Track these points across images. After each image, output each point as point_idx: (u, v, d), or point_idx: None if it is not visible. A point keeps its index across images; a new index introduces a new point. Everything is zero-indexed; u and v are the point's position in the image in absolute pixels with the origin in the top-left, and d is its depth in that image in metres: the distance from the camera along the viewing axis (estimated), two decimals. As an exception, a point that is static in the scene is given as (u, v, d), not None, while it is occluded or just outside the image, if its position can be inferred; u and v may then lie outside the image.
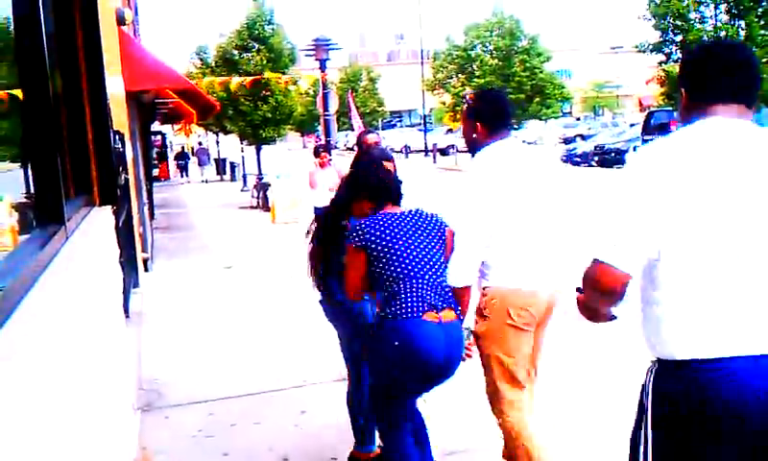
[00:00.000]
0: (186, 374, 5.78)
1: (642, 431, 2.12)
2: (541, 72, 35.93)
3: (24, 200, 2.59)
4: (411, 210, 3.36)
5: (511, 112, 3.50)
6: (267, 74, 22.43)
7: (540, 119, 38.82)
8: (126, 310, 5.95)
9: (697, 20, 21.88)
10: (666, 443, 2.06)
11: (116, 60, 9.25)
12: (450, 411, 4.50)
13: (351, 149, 33.55)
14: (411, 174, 11.93)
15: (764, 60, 20.46)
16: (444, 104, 41.36)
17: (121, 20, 9.91)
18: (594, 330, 3.19)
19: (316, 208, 8.74)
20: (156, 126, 25.88)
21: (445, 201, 3.66)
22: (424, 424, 3.56)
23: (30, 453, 1.51)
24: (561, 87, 37.78)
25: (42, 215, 2.43)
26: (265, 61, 24.27)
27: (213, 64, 26.24)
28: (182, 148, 38.59)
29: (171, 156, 39.87)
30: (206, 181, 31.84)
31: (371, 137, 5.03)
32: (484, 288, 3.35)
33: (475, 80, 36.66)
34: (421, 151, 42.91)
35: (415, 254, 3.18)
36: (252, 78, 21.36)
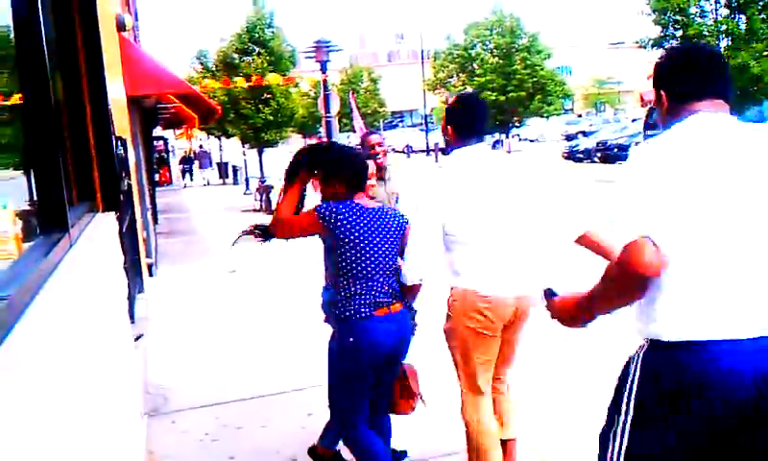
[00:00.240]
0: (192, 378, 5.78)
1: (622, 412, 2.17)
2: (542, 69, 35.86)
3: (28, 207, 2.59)
4: (380, 207, 3.43)
5: (483, 119, 3.47)
6: (268, 77, 22.45)
7: (542, 116, 38.79)
8: (131, 316, 5.95)
9: (697, 15, 21.83)
10: (646, 422, 2.11)
11: (117, 66, 9.26)
12: (446, 413, 4.49)
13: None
14: (412, 173, 11.93)
15: (766, 53, 20.43)
16: (445, 103, 41.35)
17: (121, 26, 9.91)
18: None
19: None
20: (158, 131, 25.91)
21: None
22: (390, 431, 3.68)
23: (37, 461, 1.51)
24: (562, 84, 37.72)
25: (46, 222, 2.43)
26: (266, 65, 24.32)
27: (214, 68, 26.30)
28: (185, 152, 38.67)
29: (174, 160, 39.92)
30: (208, 184, 31.85)
31: (374, 138, 5.03)
32: (451, 288, 3.42)
33: (476, 79, 36.64)
34: (423, 151, 42.95)
35: (379, 253, 3.29)
36: (253, 80, 21.34)
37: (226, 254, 12.08)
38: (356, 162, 3.45)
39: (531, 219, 3.36)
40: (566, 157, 30.51)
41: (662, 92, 2.26)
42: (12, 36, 2.34)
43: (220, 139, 33.27)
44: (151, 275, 10.07)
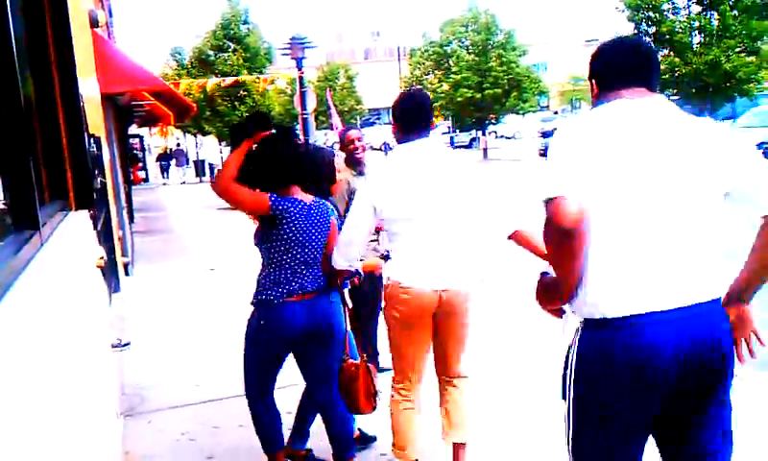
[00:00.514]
0: (169, 378, 5.75)
1: (567, 395, 2.32)
2: (518, 66, 35.96)
3: (1, 206, 2.55)
4: (315, 202, 3.58)
5: (424, 116, 3.50)
6: (244, 76, 22.35)
7: (518, 113, 38.91)
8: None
9: (670, 11, 22.05)
10: (586, 399, 2.25)
11: (90, 63, 9.16)
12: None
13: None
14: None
15: (737, 49, 20.70)
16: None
17: (94, 22, 9.81)
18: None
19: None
20: (134, 129, 25.69)
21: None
22: (346, 418, 3.81)
23: (8, 462, 1.49)
24: (537, 81, 37.86)
25: (16, 221, 2.40)
26: (241, 61, 24.22)
27: (189, 65, 26.14)
28: (162, 150, 38.38)
29: (150, 158, 39.58)
30: (185, 183, 31.63)
31: (353, 133, 5.09)
32: (387, 277, 3.54)
33: (452, 76, 36.69)
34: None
35: (309, 248, 3.51)
36: (230, 80, 21.23)
37: (203, 252, 12.02)
38: (288, 161, 3.55)
39: (464, 215, 3.41)
40: (542, 154, 30.68)
41: (593, 81, 2.43)
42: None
43: (196, 137, 33.05)
44: (127, 274, 9.99)
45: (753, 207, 2.22)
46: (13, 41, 2.34)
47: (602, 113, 2.28)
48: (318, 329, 3.57)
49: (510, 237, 3.43)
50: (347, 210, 3.89)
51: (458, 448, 3.70)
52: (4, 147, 2.39)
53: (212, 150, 33.89)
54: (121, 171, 13.20)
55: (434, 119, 3.62)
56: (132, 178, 30.36)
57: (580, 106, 61.73)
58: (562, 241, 2.13)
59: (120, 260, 9.12)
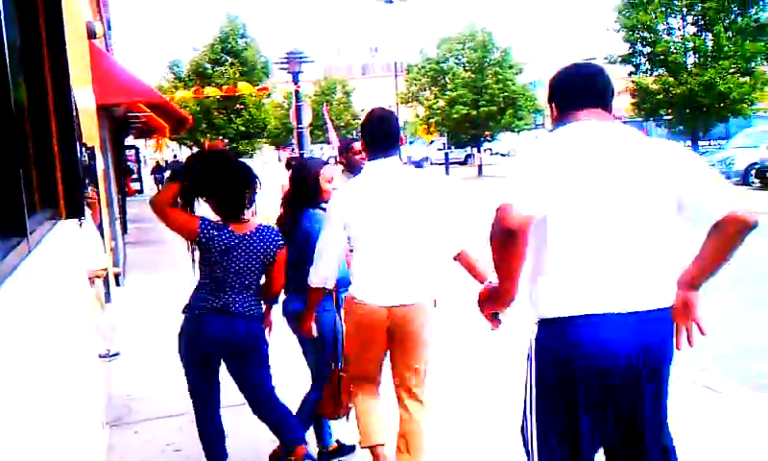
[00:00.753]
0: (157, 388, 5.73)
1: (527, 391, 2.49)
2: (514, 84, 36.13)
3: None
4: (252, 233, 3.68)
5: (389, 135, 3.55)
6: (239, 86, 22.42)
7: (513, 131, 39.05)
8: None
9: (665, 32, 22.21)
10: (540, 391, 2.43)
11: (87, 74, 9.20)
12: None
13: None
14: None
15: (731, 70, 20.85)
16: (417, 116, 41.50)
17: (92, 34, 9.85)
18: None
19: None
20: (130, 140, 25.72)
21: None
22: (288, 414, 3.95)
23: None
24: (533, 99, 38.02)
25: (3, 228, 2.41)
26: (238, 75, 24.30)
27: (186, 78, 26.22)
28: (156, 162, 38.37)
29: (146, 170, 39.59)
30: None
31: (357, 145, 5.45)
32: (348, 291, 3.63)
33: (448, 92, 36.85)
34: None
35: (232, 273, 3.64)
36: (224, 90, 21.28)
37: (195, 264, 12.01)
38: (236, 190, 3.68)
39: (420, 233, 3.48)
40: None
41: (552, 104, 2.63)
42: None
43: (192, 149, 33.09)
44: (118, 284, 9.97)
45: (702, 218, 2.38)
46: (6, 48, 2.36)
47: (560, 136, 2.48)
48: (234, 349, 3.71)
49: (455, 259, 3.58)
50: None
51: None
52: (-7, 153, 2.40)
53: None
54: (115, 182, 13.21)
55: (402, 136, 3.68)
56: (126, 189, 30.29)
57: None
58: (505, 241, 2.28)
59: (111, 271, 9.10)
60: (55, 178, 3.60)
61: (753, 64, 20.90)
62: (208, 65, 25.38)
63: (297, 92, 16.55)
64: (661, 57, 21.34)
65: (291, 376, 4.52)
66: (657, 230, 2.37)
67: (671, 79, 21.39)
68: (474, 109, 35.70)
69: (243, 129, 25.01)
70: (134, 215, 21.82)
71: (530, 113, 38.73)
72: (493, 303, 2.59)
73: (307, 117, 17.29)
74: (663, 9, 21.43)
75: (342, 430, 4.32)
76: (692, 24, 21.82)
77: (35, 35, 3.42)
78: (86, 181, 5.99)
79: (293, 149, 25.96)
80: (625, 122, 26.61)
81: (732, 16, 21.16)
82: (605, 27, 22.73)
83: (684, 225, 2.43)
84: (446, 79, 37.80)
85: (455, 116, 35.97)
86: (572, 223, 2.32)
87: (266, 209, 15.84)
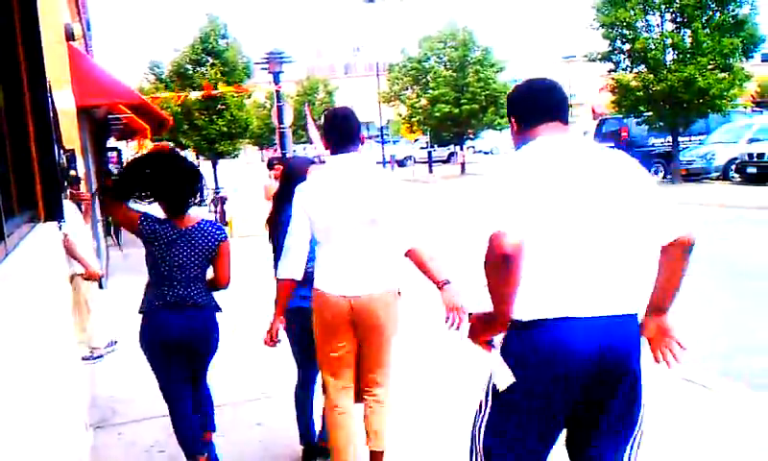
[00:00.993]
0: (141, 390, 5.70)
1: (486, 393, 2.57)
2: (495, 82, 36.19)
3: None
4: (194, 227, 3.85)
5: (348, 132, 3.66)
6: (220, 87, 22.32)
7: (495, 129, 39.11)
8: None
9: (644, 29, 22.34)
10: (506, 398, 2.49)
11: (65, 75, 9.15)
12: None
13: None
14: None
15: (710, 66, 21.01)
16: (400, 115, 41.51)
17: (70, 36, 9.80)
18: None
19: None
20: (112, 142, 25.53)
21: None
22: (210, 402, 4.19)
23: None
24: (515, 97, 38.03)
25: (-19, 230, 2.41)
26: (219, 75, 24.19)
27: (168, 79, 26.08)
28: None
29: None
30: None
31: None
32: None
33: (430, 91, 36.88)
34: (380, 163, 43.06)
35: (176, 265, 3.80)
36: (204, 91, 21.19)
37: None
38: (177, 188, 3.83)
39: (378, 227, 3.55)
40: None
41: (512, 118, 2.74)
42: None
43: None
44: (101, 287, 9.91)
45: (654, 237, 2.50)
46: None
47: (528, 153, 2.60)
48: (192, 340, 3.88)
49: (405, 255, 3.64)
50: None
51: (376, 454, 3.76)
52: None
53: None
54: (97, 184, 13.13)
55: (362, 134, 3.78)
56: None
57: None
58: (501, 267, 2.35)
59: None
60: (33, 180, 3.60)
61: (731, 61, 21.08)
62: (189, 66, 25.23)
63: (278, 92, 16.53)
64: (641, 53, 21.47)
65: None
66: (621, 239, 2.50)
67: (650, 75, 21.50)
68: (456, 107, 35.78)
69: (225, 129, 24.88)
70: (116, 218, 21.68)
71: (512, 111, 38.68)
72: (489, 328, 2.62)
73: (289, 117, 17.27)
74: (642, 5, 21.52)
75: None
76: (671, 21, 21.93)
77: (10, 36, 3.42)
78: (65, 184, 5.97)
79: (276, 149, 25.92)
80: (606, 119, 26.83)
81: (710, 13, 21.34)
82: (585, 25, 22.86)
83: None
84: (428, 77, 37.83)
85: (437, 115, 36.02)
86: (542, 235, 2.43)
87: (248, 206, 15.82)
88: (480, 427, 2.59)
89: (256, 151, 53.49)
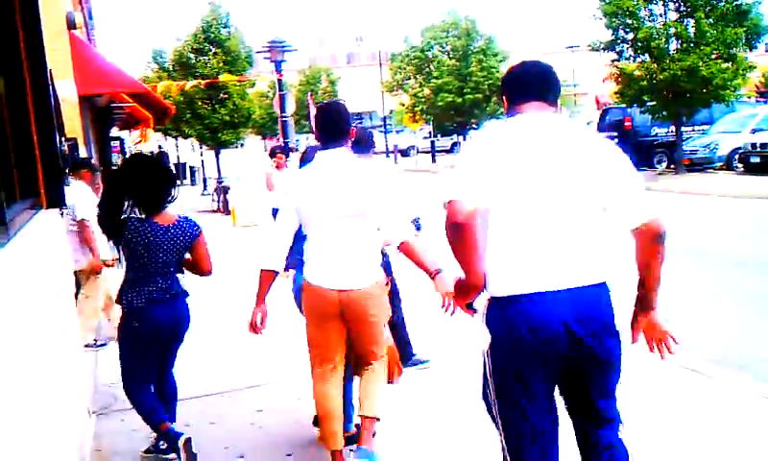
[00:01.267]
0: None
1: (485, 363, 2.68)
2: (498, 72, 36.06)
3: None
4: (173, 225, 4.02)
5: (337, 127, 3.72)
6: (222, 76, 22.29)
7: (499, 118, 39.13)
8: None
9: (647, 18, 22.24)
10: (499, 368, 2.63)
11: (67, 64, 9.15)
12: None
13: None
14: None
15: (713, 56, 20.92)
16: (402, 105, 41.44)
17: (72, 24, 9.80)
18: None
19: (274, 209, 8.74)
20: (115, 131, 25.54)
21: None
22: (175, 392, 4.40)
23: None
24: (518, 86, 37.94)
25: (-18, 217, 2.43)
26: (221, 64, 24.15)
27: (170, 68, 26.03)
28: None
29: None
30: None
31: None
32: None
33: (433, 80, 36.80)
34: (383, 152, 43.04)
35: (154, 260, 3.95)
36: (207, 80, 21.16)
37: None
38: (151, 187, 3.96)
39: (367, 221, 3.61)
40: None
41: (504, 97, 2.83)
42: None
43: (177, 140, 32.94)
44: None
45: (622, 222, 2.58)
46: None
47: (503, 128, 2.70)
48: (177, 328, 4.15)
49: (399, 249, 3.71)
50: None
51: (365, 419, 3.82)
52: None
53: (192, 153, 33.72)
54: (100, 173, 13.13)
55: (352, 128, 3.84)
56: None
57: (561, 111, 61.83)
58: (456, 235, 2.46)
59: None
60: (35, 168, 3.63)
61: (734, 50, 20.98)
62: (192, 55, 25.18)
63: (279, 81, 16.52)
64: (644, 43, 21.38)
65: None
66: (589, 214, 2.58)
67: (654, 65, 21.41)
68: (459, 96, 35.71)
69: (228, 118, 24.86)
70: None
71: (515, 101, 38.61)
72: (462, 293, 2.72)
73: (291, 106, 17.26)
74: (645, -6, 21.49)
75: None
76: (674, 10, 21.83)
77: (11, 25, 3.43)
78: (67, 172, 5.98)
79: (278, 138, 25.91)
80: (609, 109, 26.70)
81: (714, 2, 21.22)
82: (588, 14, 22.75)
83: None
84: (431, 67, 37.75)
85: (440, 104, 35.96)
86: (512, 210, 2.52)
87: (251, 195, 15.80)
88: (491, 394, 2.70)
89: (259, 140, 53.41)
